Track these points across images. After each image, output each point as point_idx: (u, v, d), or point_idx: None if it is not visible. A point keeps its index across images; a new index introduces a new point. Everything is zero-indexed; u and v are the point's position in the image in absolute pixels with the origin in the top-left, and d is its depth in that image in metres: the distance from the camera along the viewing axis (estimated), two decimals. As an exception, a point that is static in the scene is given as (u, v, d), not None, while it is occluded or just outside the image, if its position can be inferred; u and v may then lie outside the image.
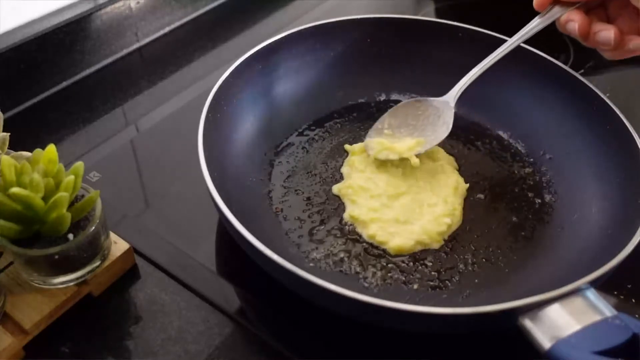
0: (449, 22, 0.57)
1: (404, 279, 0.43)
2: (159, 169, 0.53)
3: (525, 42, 0.48)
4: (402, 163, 0.50)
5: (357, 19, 0.57)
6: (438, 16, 0.77)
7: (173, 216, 0.48)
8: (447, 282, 0.42)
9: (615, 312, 0.33)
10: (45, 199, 0.36)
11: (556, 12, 0.45)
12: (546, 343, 0.32)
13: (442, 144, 0.50)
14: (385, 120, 0.52)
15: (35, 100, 0.60)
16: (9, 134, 0.42)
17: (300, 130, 0.54)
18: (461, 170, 0.51)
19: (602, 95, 0.48)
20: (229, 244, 0.45)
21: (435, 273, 0.43)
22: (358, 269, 0.43)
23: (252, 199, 0.47)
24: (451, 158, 0.52)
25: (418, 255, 0.44)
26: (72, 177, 0.38)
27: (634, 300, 0.42)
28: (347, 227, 0.46)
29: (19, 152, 0.42)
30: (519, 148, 0.53)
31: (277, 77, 0.54)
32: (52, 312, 0.39)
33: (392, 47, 0.58)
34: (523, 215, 0.48)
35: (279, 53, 0.54)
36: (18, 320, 0.38)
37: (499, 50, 0.48)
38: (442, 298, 0.41)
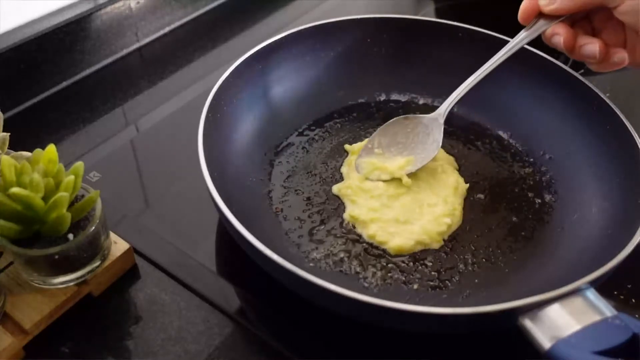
0: (449, 22, 0.56)
1: (404, 279, 0.43)
2: (159, 169, 0.53)
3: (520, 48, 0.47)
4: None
5: (357, 19, 0.56)
6: (438, 16, 0.77)
7: (173, 216, 0.48)
8: (447, 282, 0.42)
9: (615, 312, 0.33)
10: (45, 199, 0.36)
11: (541, 26, 0.45)
12: (546, 343, 0.32)
13: (442, 144, 0.50)
14: (375, 139, 0.51)
15: (35, 100, 0.60)
16: (9, 134, 0.42)
17: (300, 130, 0.54)
18: (461, 170, 0.51)
19: (602, 95, 0.48)
20: (229, 244, 0.45)
21: (435, 273, 0.43)
22: (358, 269, 0.43)
23: (252, 199, 0.47)
24: (451, 158, 0.52)
25: (418, 255, 0.44)
26: (72, 177, 0.38)
27: (634, 300, 0.42)
28: (347, 227, 0.46)
29: (19, 152, 0.42)
30: (519, 148, 0.54)
31: (277, 77, 0.54)
32: (52, 312, 0.39)
33: (392, 47, 0.58)
34: (523, 215, 0.48)
35: (279, 53, 0.54)
36: (18, 320, 0.38)
37: (486, 66, 0.48)
38: (442, 298, 0.41)
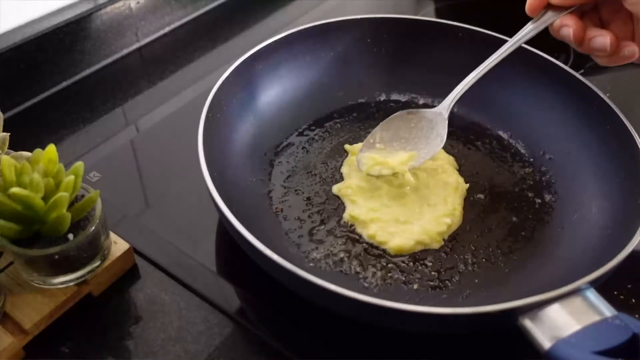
0: (449, 22, 0.56)
1: (404, 279, 0.43)
2: (159, 169, 0.53)
3: (525, 42, 0.47)
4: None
5: (357, 19, 0.57)
6: (438, 16, 0.77)
7: (173, 216, 0.48)
8: (447, 282, 0.42)
9: (615, 312, 0.33)
10: (45, 199, 0.36)
11: (549, 17, 0.43)
12: (546, 343, 0.32)
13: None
14: (376, 133, 0.50)
15: (35, 100, 0.60)
16: (9, 134, 0.42)
17: (300, 130, 0.54)
18: (461, 170, 0.51)
19: (602, 95, 0.48)
20: (229, 244, 0.45)
21: (435, 273, 0.43)
22: (358, 269, 0.43)
23: (252, 199, 0.47)
24: (451, 158, 0.52)
25: (418, 255, 0.44)
26: (72, 177, 0.38)
27: (634, 300, 0.42)
28: (347, 227, 0.46)
29: (19, 152, 0.42)
30: (519, 148, 0.53)
31: (277, 77, 0.54)
32: (52, 312, 0.39)
33: (392, 47, 0.58)
34: (523, 215, 0.48)
35: (279, 53, 0.54)
36: (18, 320, 0.38)
37: (491, 59, 0.48)
38: (442, 298, 0.41)
